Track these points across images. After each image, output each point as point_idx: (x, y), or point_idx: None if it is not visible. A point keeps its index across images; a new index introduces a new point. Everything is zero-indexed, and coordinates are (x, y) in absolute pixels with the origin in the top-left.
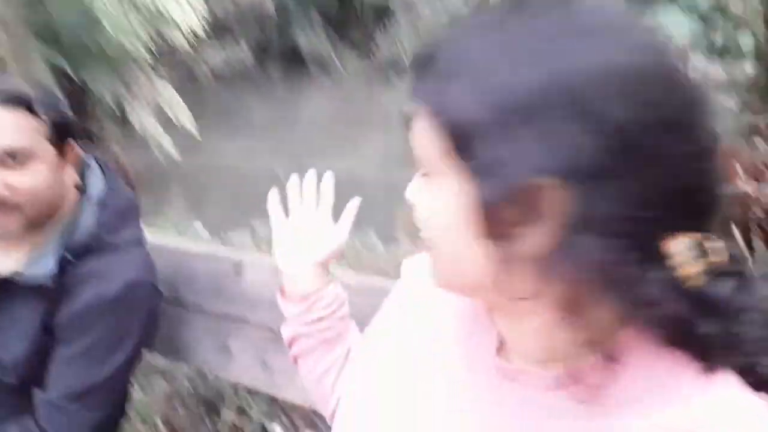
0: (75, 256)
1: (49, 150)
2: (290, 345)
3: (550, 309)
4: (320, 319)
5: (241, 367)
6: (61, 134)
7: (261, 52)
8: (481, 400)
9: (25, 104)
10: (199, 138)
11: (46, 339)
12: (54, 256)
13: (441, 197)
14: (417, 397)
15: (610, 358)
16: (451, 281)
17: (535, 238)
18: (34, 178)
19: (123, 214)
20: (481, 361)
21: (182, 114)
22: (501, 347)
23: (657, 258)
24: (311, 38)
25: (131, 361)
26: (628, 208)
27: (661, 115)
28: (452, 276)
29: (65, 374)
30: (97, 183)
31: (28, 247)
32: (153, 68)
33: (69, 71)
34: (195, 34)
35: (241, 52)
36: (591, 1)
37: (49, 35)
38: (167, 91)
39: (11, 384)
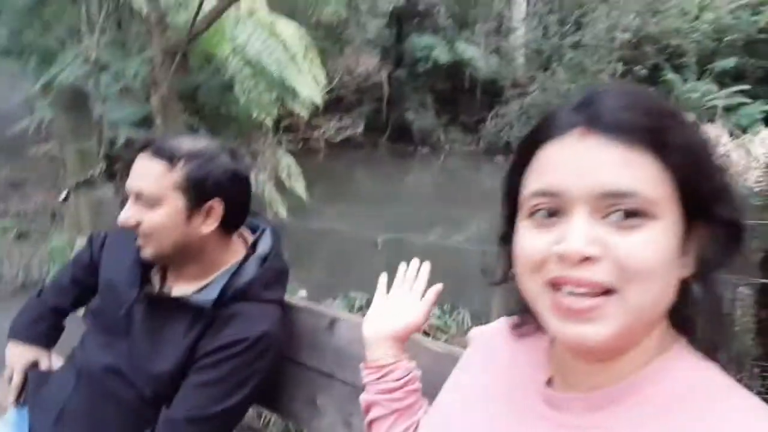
0: (231, 297)
1: (179, 199)
2: (366, 411)
3: (651, 338)
4: (392, 390)
5: (325, 423)
6: (198, 190)
7: (372, 125)
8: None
9: (166, 158)
10: (306, 202)
11: (188, 363)
12: (217, 290)
13: (666, 237)
14: (463, 425)
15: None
16: (641, 328)
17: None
18: (154, 219)
19: (277, 276)
20: (529, 398)
21: (297, 180)
22: (549, 382)
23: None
24: (422, 116)
25: (247, 403)
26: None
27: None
28: (648, 319)
29: (192, 398)
30: (265, 245)
31: (200, 282)
32: (274, 135)
33: (204, 133)
34: (314, 105)
35: (354, 125)
36: None
37: (190, 99)
38: (285, 158)
39: (146, 396)
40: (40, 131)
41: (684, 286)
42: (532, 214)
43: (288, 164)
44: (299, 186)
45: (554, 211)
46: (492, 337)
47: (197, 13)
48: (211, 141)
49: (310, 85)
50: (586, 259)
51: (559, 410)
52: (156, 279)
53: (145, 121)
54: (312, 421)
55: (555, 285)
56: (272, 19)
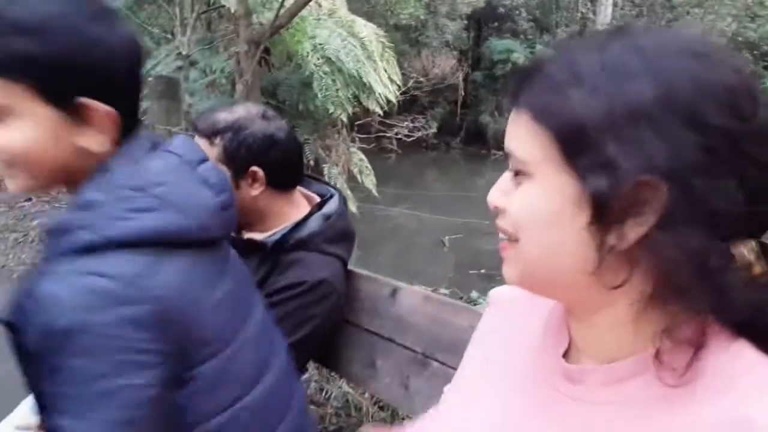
0: (293, 246)
1: (224, 171)
2: None
3: (628, 302)
4: None
5: (383, 384)
6: (235, 160)
7: (446, 127)
8: (537, 411)
9: (206, 135)
10: (376, 199)
11: None
12: (279, 235)
13: (544, 194)
14: (479, 402)
15: (685, 343)
16: (542, 278)
17: (636, 230)
18: None
19: (339, 234)
20: (545, 369)
21: (367, 176)
22: (567, 353)
23: (731, 257)
24: (497, 119)
25: (306, 346)
26: (719, 206)
27: (751, 126)
28: (547, 272)
29: None
30: (331, 206)
31: (271, 228)
32: (348, 133)
33: None
34: (389, 102)
35: (427, 126)
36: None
37: (271, 95)
38: (357, 155)
39: None
40: None
41: None
42: None
43: (360, 160)
44: (369, 181)
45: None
46: (513, 299)
47: (281, 6)
48: (246, 107)
49: (385, 84)
50: (497, 208)
51: (574, 383)
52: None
53: None
54: (371, 382)
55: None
56: (351, 20)
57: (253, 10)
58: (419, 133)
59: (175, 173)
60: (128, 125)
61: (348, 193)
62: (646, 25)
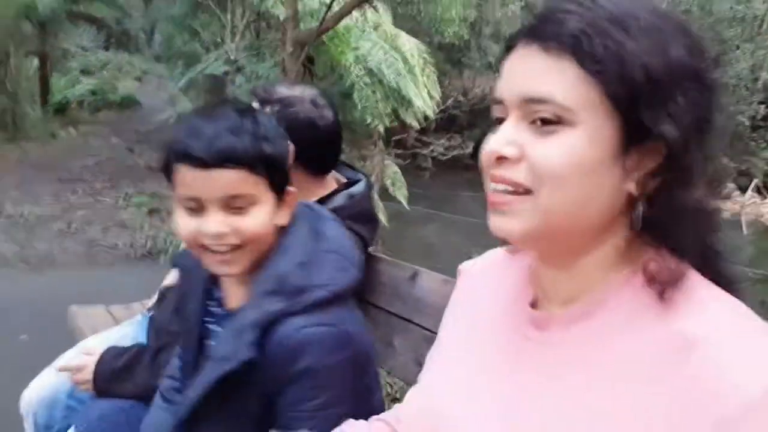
0: None
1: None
2: None
3: (614, 244)
4: None
5: (400, 361)
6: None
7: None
8: (509, 361)
9: (262, 102)
10: (408, 213)
11: None
12: None
13: (590, 143)
14: (460, 357)
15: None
16: (561, 228)
17: (654, 180)
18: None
19: (364, 215)
20: (515, 322)
21: (399, 189)
22: (535, 306)
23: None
24: None
25: None
26: (712, 156)
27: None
28: (570, 222)
29: None
30: (359, 187)
31: None
32: (384, 144)
33: None
34: (426, 118)
35: (464, 145)
36: None
37: None
38: (392, 167)
39: None
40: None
41: (649, 201)
42: (495, 122)
43: (394, 172)
44: (401, 194)
45: (502, 118)
46: (481, 269)
47: (328, 9)
48: (304, 89)
49: (424, 98)
50: (504, 159)
51: (542, 329)
52: None
53: None
54: (387, 359)
55: (492, 181)
56: (395, 33)
57: (301, 19)
58: (455, 152)
59: (343, 237)
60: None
61: (380, 205)
62: None
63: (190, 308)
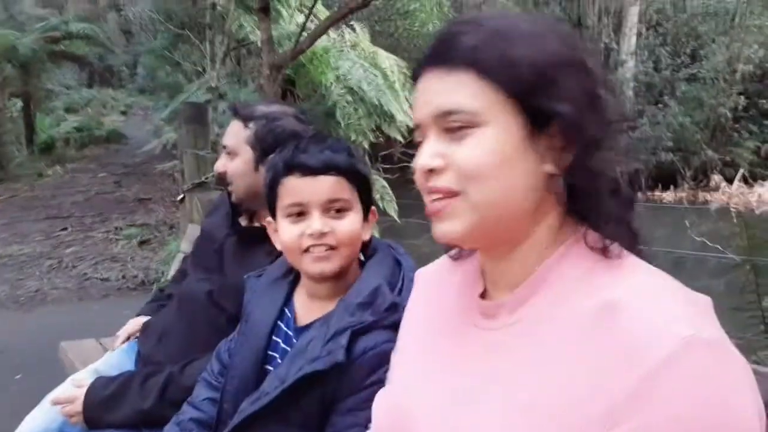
0: None
1: (248, 152)
2: None
3: (547, 226)
4: None
5: None
6: (262, 145)
7: None
8: (457, 349)
9: (242, 118)
10: (399, 227)
11: None
12: None
13: (501, 137)
14: (418, 356)
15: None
16: (492, 220)
17: (566, 158)
18: (233, 167)
19: None
20: (465, 313)
21: (389, 203)
22: (483, 297)
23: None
24: None
25: None
26: (613, 128)
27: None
28: (498, 213)
29: None
30: None
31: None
32: (372, 163)
33: None
34: (411, 132)
35: None
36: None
37: None
38: (380, 182)
39: (227, 315)
40: (165, 154)
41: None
42: (418, 146)
43: (382, 187)
44: (392, 208)
45: (424, 137)
46: (433, 273)
47: (301, 31)
48: (283, 105)
49: (406, 112)
50: (432, 171)
51: (490, 317)
52: (244, 220)
53: None
54: None
55: (428, 194)
56: (374, 51)
57: (278, 43)
58: None
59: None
60: None
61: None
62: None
63: (259, 326)
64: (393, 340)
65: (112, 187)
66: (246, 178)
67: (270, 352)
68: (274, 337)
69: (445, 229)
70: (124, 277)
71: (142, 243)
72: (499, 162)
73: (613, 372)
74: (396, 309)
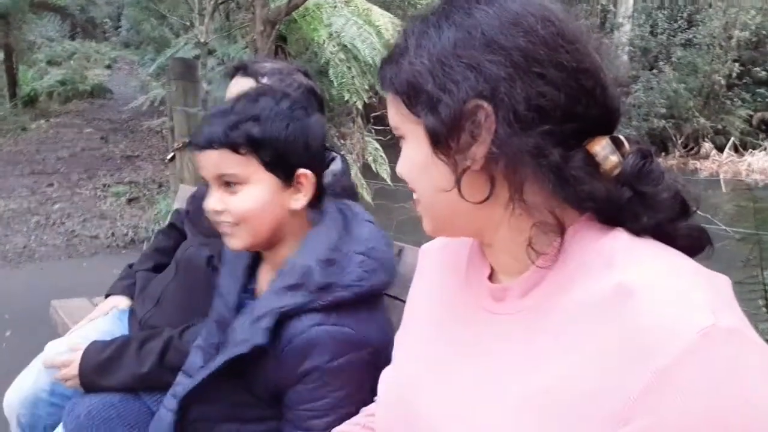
0: None
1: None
2: None
3: (513, 215)
4: None
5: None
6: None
7: None
8: (467, 333)
9: (252, 76)
10: (392, 189)
11: None
12: None
13: (412, 147)
14: (425, 336)
15: (550, 231)
16: (444, 219)
17: (480, 149)
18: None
19: (346, 190)
20: (474, 294)
21: (381, 165)
22: (491, 278)
23: (585, 156)
24: None
25: None
26: (538, 109)
27: (536, 40)
28: (443, 213)
29: None
30: (337, 164)
31: None
32: (365, 124)
33: None
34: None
35: None
36: None
37: None
38: (372, 144)
39: None
40: (153, 111)
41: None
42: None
43: (375, 149)
44: (384, 170)
45: None
46: (438, 249)
47: None
48: (289, 63)
49: None
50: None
51: (499, 301)
52: None
53: None
54: None
55: None
56: (368, 8)
57: None
58: None
59: (376, 238)
60: (319, 187)
61: (363, 182)
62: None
63: (227, 298)
64: (324, 323)
65: (98, 143)
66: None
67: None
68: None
69: (424, 225)
70: (113, 234)
71: (130, 201)
72: (419, 170)
73: (628, 364)
74: (329, 289)
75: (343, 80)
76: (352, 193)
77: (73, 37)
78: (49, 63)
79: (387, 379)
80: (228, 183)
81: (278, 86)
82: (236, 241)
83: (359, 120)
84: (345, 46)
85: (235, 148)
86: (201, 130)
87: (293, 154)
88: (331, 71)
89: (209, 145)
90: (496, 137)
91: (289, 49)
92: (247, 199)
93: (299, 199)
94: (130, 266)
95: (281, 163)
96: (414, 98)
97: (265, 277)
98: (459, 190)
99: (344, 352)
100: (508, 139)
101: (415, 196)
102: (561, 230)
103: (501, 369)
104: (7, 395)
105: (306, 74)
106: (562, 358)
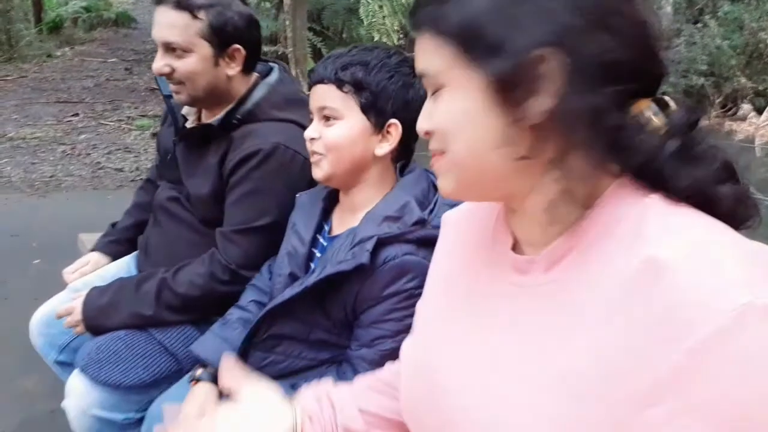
0: (242, 117)
1: (205, 47)
2: None
3: (553, 179)
4: None
5: None
6: (221, 37)
7: None
8: (492, 306)
9: (188, 9)
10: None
11: (221, 183)
12: (224, 113)
13: (459, 96)
14: (448, 307)
15: (592, 206)
16: (474, 178)
17: (541, 103)
18: (187, 66)
19: (288, 99)
20: (497, 266)
21: None
22: (515, 249)
23: (635, 117)
24: None
25: (279, 221)
26: (603, 59)
27: None
28: (477, 171)
29: (233, 215)
30: (273, 75)
31: (215, 111)
32: None
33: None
34: None
35: None
36: None
37: (316, 21)
38: None
39: (203, 219)
40: None
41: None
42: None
43: None
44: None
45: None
46: (460, 217)
47: None
48: None
49: None
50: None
51: (524, 273)
52: (192, 122)
53: (271, 38)
54: None
55: None
56: None
57: None
58: None
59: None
60: (407, 142)
61: None
62: None
63: (302, 233)
64: (415, 253)
65: (122, 74)
66: (206, 76)
67: (311, 264)
68: (313, 249)
69: (441, 185)
70: (137, 168)
71: (154, 135)
72: (467, 120)
73: (659, 344)
74: (423, 224)
75: (374, 20)
76: (301, 103)
77: None
78: None
79: (408, 349)
80: (327, 117)
81: (218, 20)
82: (319, 171)
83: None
84: None
85: (340, 85)
86: (318, 67)
87: (389, 104)
88: (361, 9)
89: (321, 80)
90: (561, 92)
91: None
92: (337, 132)
93: (384, 147)
94: (113, 225)
95: (376, 109)
96: (471, 42)
97: (339, 220)
98: (506, 146)
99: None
100: (573, 96)
101: (437, 151)
102: (592, 199)
103: (524, 344)
104: (32, 322)
105: (243, 1)
106: (587, 334)
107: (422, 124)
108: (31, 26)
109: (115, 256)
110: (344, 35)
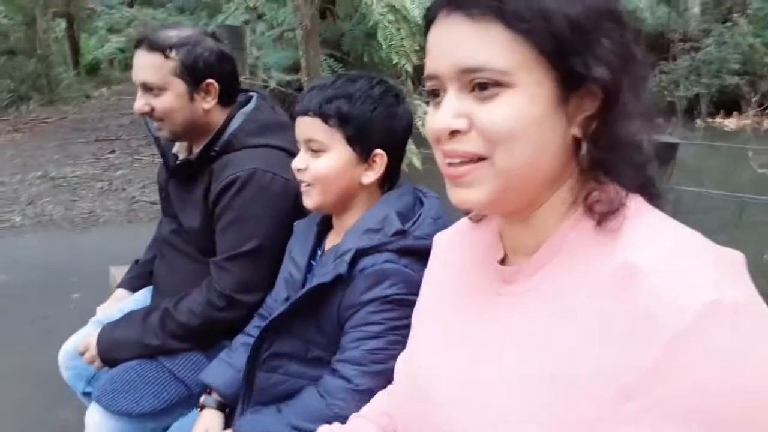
0: (220, 148)
1: (179, 84)
2: None
3: (568, 188)
4: None
5: None
6: (193, 73)
7: None
8: (480, 316)
9: (160, 50)
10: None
11: (209, 216)
12: (202, 146)
13: (531, 99)
14: (440, 325)
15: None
16: (520, 187)
17: (592, 122)
18: (163, 103)
19: (263, 125)
20: (486, 279)
21: None
22: (503, 262)
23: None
24: None
25: (274, 237)
26: (641, 89)
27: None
28: (527, 179)
29: (220, 242)
30: (250, 104)
31: (201, 144)
32: (414, 89)
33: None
34: None
35: None
36: None
37: (336, 47)
38: (422, 107)
39: (199, 250)
40: None
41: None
42: (430, 95)
43: (424, 113)
44: None
45: (438, 91)
46: (452, 237)
47: None
48: (189, 28)
49: None
50: (457, 132)
51: (509, 283)
52: (183, 158)
53: (295, 67)
54: None
55: (445, 156)
56: None
57: None
58: None
59: (444, 213)
60: (392, 170)
61: (412, 147)
62: None
63: (297, 259)
64: (395, 261)
65: None
66: (183, 112)
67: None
68: (308, 275)
69: (467, 196)
70: None
71: None
72: (529, 127)
73: (636, 342)
74: (403, 235)
75: (392, 42)
76: (280, 125)
77: (131, 4)
78: (109, 30)
79: (403, 360)
80: (313, 149)
81: (188, 58)
82: (308, 200)
83: (408, 83)
84: (394, 7)
85: (325, 119)
86: (302, 98)
87: (373, 135)
88: (379, 33)
89: (305, 112)
90: (607, 114)
91: (338, 11)
92: (324, 164)
93: (370, 175)
94: (136, 261)
95: (361, 140)
96: (571, 48)
97: (332, 243)
98: (564, 153)
99: (407, 290)
100: (617, 120)
101: (472, 156)
102: (576, 204)
103: (513, 351)
104: (59, 355)
105: (214, 37)
106: (570, 335)
107: (453, 123)
108: (69, 69)
109: (137, 291)
110: (365, 59)
